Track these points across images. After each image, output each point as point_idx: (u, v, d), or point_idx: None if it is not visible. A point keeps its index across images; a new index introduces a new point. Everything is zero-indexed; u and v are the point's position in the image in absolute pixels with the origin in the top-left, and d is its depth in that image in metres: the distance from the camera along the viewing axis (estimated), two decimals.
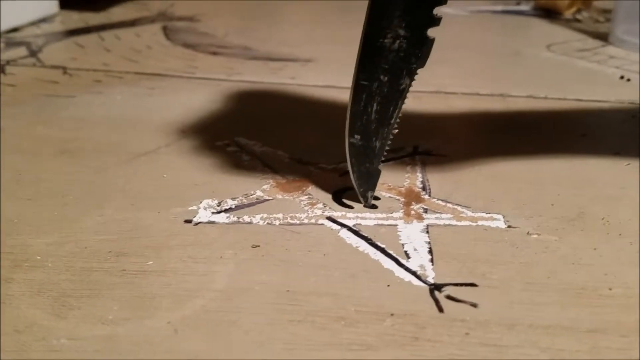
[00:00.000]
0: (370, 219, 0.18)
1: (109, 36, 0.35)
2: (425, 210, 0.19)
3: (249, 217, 0.18)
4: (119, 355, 0.13)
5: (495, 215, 0.19)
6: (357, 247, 0.17)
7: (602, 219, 0.19)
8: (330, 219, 0.18)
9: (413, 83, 0.17)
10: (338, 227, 0.18)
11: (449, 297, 0.15)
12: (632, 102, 0.28)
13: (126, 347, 0.13)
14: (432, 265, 0.16)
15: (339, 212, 0.18)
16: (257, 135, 0.23)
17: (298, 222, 0.18)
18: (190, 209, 0.18)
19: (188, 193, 0.19)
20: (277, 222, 0.18)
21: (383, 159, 0.18)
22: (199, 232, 0.17)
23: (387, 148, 0.18)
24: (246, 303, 0.14)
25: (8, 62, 0.29)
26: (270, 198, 0.19)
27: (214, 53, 0.33)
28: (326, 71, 0.31)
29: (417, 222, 0.18)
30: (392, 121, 0.18)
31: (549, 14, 0.45)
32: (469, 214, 0.19)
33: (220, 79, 0.29)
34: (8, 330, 0.13)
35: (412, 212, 0.19)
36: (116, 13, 0.39)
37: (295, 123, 0.25)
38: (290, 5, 0.47)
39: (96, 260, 0.15)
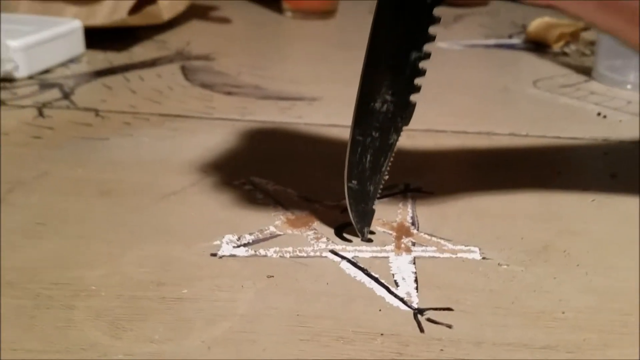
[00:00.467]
0: (366, 251, 0.21)
1: (133, 77, 0.38)
2: (414, 244, 0.22)
3: (264, 250, 0.21)
4: (181, 353, 0.16)
5: (472, 248, 0.22)
6: (355, 277, 0.20)
7: (564, 251, 0.22)
8: (332, 252, 0.21)
9: (413, 123, 0.20)
10: (339, 259, 0.21)
11: (429, 320, 0.18)
12: (606, 139, 0.32)
13: (179, 353, 0.16)
14: (417, 292, 0.19)
15: (340, 246, 0.22)
16: (268, 173, 0.27)
17: (305, 255, 0.21)
18: (214, 243, 0.21)
19: (212, 229, 0.22)
20: (287, 255, 0.21)
21: (378, 197, 0.22)
22: (223, 264, 0.20)
23: (380, 190, 0.22)
24: (263, 325, 0.18)
25: (44, 105, 0.33)
26: (282, 233, 0.22)
27: (229, 93, 0.37)
28: (330, 110, 0.34)
29: (406, 254, 0.21)
30: (383, 169, 0.21)
31: (539, 47, 0.48)
32: (450, 247, 0.22)
33: (235, 119, 0.33)
34: (76, 349, 0.16)
35: (402, 245, 0.22)
36: (137, 53, 0.43)
37: (303, 161, 0.28)
38: (297, 43, 0.51)
39: (141, 290, 0.19)
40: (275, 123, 0.33)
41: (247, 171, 0.27)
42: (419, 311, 0.18)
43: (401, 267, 0.21)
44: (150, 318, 0.18)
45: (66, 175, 0.26)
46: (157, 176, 0.26)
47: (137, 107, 0.33)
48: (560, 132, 0.32)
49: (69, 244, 0.21)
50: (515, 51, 0.48)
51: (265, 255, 0.21)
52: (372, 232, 0.22)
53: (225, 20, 0.54)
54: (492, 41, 0.49)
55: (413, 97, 0.20)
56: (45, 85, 0.36)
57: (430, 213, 0.24)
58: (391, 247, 0.22)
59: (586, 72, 0.42)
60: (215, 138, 0.30)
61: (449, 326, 0.18)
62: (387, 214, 0.24)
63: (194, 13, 0.53)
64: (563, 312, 0.18)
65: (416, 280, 0.20)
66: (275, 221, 0.23)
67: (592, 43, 0.48)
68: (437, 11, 0.18)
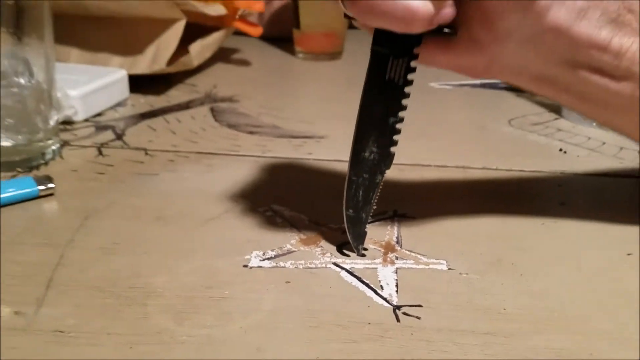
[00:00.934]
0: (360, 264, 0.28)
1: (172, 119, 0.45)
2: (397, 258, 0.29)
3: (283, 263, 0.28)
4: (217, 345, 0.23)
5: (441, 261, 0.28)
6: (351, 282, 0.27)
7: (512, 263, 0.28)
8: (335, 264, 0.28)
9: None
10: (340, 269, 0.28)
11: (404, 313, 0.25)
12: (563, 172, 0.38)
13: (220, 340, 0.23)
14: (397, 294, 0.26)
15: (340, 259, 0.28)
16: (285, 201, 0.33)
17: (314, 266, 0.28)
18: (245, 257, 0.28)
19: (243, 246, 0.29)
20: (300, 266, 0.28)
21: (370, 221, 0.29)
22: (252, 273, 0.27)
23: (371, 216, 0.28)
24: (283, 317, 0.24)
25: (102, 145, 0.40)
26: (296, 250, 0.29)
27: (251, 132, 0.44)
28: (335, 147, 0.41)
29: (390, 266, 0.28)
30: (373, 201, 0.28)
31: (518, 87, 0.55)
32: (424, 260, 0.28)
33: (257, 156, 0.40)
34: (152, 333, 0.23)
35: (388, 259, 0.29)
36: (173, 95, 0.50)
37: (312, 191, 0.35)
38: (308, 84, 0.58)
39: (194, 291, 0.26)
40: (289, 159, 0.40)
41: (268, 200, 0.34)
42: (397, 307, 0.25)
43: (386, 275, 0.27)
44: (202, 311, 0.24)
45: (128, 204, 0.33)
46: (198, 204, 0.33)
47: (178, 146, 0.41)
48: (524, 167, 0.38)
49: (138, 258, 0.28)
50: (497, 90, 0.54)
51: (284, 267, 0.28)
52: (365, 249, 0.29)
53: (245, 63, 0.61)
54: (478, 81, 0.56)
55: (392, 149, 0.27)
56: (100, 127, 0.43)
57: (412, 233, 0.31)
58: (379, 260, 0.28)
59: (557, 110, 0.49)
60: (242, 172, 0.37)
61: (418, 318, 0.24)
62: (378, 234, 0.30)
63: (217, 56, 0.60)
64: (504, 309, 0.25)
65: (397, 285, 0.27)
66: (291, 240, 0.30)
67: None
68: (408, 89, 0.25)
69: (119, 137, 0.42)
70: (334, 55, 0.64)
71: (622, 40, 0.25)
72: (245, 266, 0.28)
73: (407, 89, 0.25)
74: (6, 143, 0.35)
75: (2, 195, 0.31)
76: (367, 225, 0.28)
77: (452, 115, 0.47)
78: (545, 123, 0.46)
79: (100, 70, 0.48)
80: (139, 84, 0.50)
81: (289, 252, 0.29)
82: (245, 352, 0.22)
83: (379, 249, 0.29)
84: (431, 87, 0.55)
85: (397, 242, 0.30)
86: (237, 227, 0.31)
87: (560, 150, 0.41)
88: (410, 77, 0.25)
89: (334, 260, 0.28)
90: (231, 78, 0.57)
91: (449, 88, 0.55)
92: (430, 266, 0.28)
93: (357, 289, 0.26)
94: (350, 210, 0.28)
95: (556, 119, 0.47)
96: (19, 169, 0.36)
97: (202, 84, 0.54)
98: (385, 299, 0.26)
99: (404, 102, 0.26)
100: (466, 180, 0.37)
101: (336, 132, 0.44)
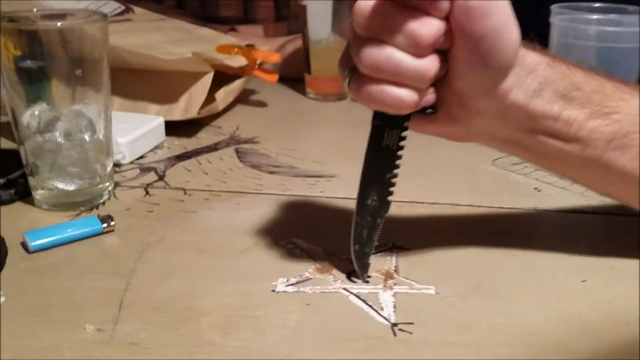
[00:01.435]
0: (365, 289, 0.35)
1: (203, 160, 0.53)
2: (395, 284, 0.36)
3: (303, 288, 0.35)
4: (254, 354, 0.29)
5: (430, 287, 0.35)
6: (357, 304, 0.34)
7: (488, 289, 0.35)
8: (344, 289, 0.35)
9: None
10: (348, 293, 0.35)
11: (400, 329, 0.32)
12: (536, 208, 0.45)
13: (255, 350, 0.30)
14: (394, 313, 0.33)
15: (349, 285, 0.35)
16: (303, 235, 0.40)
17: (328, 291, 0.35)
18: (273, 283, 0.35)
19: (271, 274, 0.36)
20: (317, 291, 0.35)
21: (372, 253, 0.35)
22: (279, 297, 0.34)
23: (373, 250, 0.35)
24: (304, 330, 0.31)
25: (148, 185, 0.48)
26: (313, 277, 0.36)
27: (271, 172, 0.51)
28: (344, 186, 0.48)
29: (389, 290, 0.35)
30: (375, 238, 0.35)
31: None
32: (417, 286, 0.35)
33: (277, 194, 0.47)
34: (204, 343, 0.30)
35: (387, 285, 0.35)
36: (203, 138, 0.58)
37: (325, 226, 0.42)
38: (318, 124, 0.66)
39: (234, 311, 0.33)
40: (305, 197, 0.47)
41: (289, 234, 0.41)
42: (394, 324, 0.32)
43: (386, 298, 0.34)
44: (241, 327, 0.31)
45: (175, 238, 0.40)
46: (232, 238, 0.40)
47: (210, 185, 0.48)
48: (503, 204, 0.45)
49: (187, 284, 0.35)
50: None
51: (304, 291, 0.35)
52: (369, 277, 0.36)
53: (262, 104, 0.69)
54: None
55: (389, 198, 0.34)
56: (143, 169, 0.51)
57: (407, 263, 0.38)
58: (380, 286, 0.35)
59: None
60: (265, 209, 0.44)
61: (411, 333, 0.31)
62: (379, 263, 0.37)
63: (238, 98, 0.68)
64: (479, 326, 0.32)
65: (394, 306, 0.33)
66: (308, 269, 0.37)
67: None
68: (400, 152, 0.33)
69: (161, 177, 0.49)
70: (340, 96, 0.72)
71: (570, 112, 0.32)
72: (273, 291, 0.35)
73: (399, 153, 0.33)
74: (71, 187, 0.43)
75: (75, 233, 0.39)
76: (371, 257, 0.35)
77: (444, 157, 0.54)
78: (524, 163, 0.53)
79: (141, 117, 0.55)
80: (172, 127, 0.58)
81: (308, 279, 0.36)
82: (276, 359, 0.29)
83: (380, 276, 0.36)
84: None
85: (395, 271, 0.37)
86: (265, 258, 0.38)
87: (535, 189, 0.48)
88: (402, 143, 0.32)
89: (343, 286, 0.35)
90: (251, 119, 0.65)
91: None
92: (422, 290, 0.35)
93: (362, 310, 0.33)
94: (357, 246, 0.35)
95: None
96: (82, 208, 0.43)
97: (226, 125, 0.62)
98: (384, 318, 0.32)
99: (397, 162, 0.33)
100: (454, 216, 0.44)
101: (345, 171, 0.51)
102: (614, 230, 0.43)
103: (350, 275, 0.36)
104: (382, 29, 0.28)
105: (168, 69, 0.57)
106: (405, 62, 0.28)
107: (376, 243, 0.35)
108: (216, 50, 0.63)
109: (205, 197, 0.46)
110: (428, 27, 0.28)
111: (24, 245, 0.38)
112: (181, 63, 0.56)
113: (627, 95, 0.33)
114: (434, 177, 0.51)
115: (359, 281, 0.36)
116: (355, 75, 0.30)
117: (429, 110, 0.31)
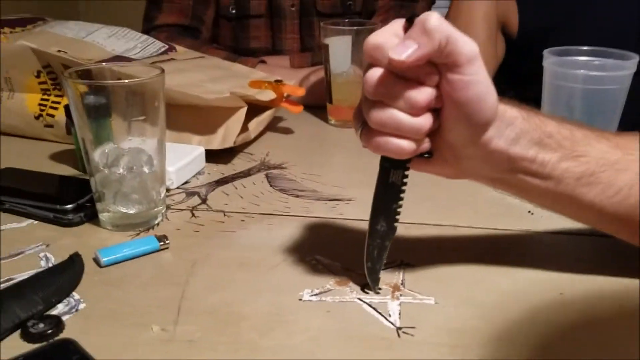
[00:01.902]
0: (376, 299, 0.42)
1: (239, 185, 0.61)
2: (401, 295, 0.43)
3: (325, 297, 0.42)
4: (286, 352, 0.37)
5: (430, 297, 0.42)
6: (370, 312, 0.41)
7: (480, 300, 0.42)
8: (359, 299, 0.42)
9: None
10: (362, 303, 0.42)
11: (403, 332, 0.39)
12: (527, 230, 0.52)
13: (287, 348, 0.37)
14: (399, 319, 0.40)
15: (363, 296, 0.43)
16: (324, 253, 0.48)
17: (345, 300, 0.42)
18: (300, 293, 0.43)
19: (298, 286, 0.44)
20: (337, 300, 0.42)
21: (382, 269, 0.43)
22: (305, 305, 0.42)
23: (383, 266, 0.42)
24: (326, 332, 0.39)
25: (193, 208, 0.56)
26: (333, 289, 0.44)
27: (297, 196, 0.59)
28: (361, 209, 0.56)
29: (396, 300, 0.42)
30: (384, 256, 0.42)
31: None
32: (419, 296, 0.42)
33: (303, 216, 0.54)
34: (246, 342, 0.38)
35: (395, 296, 0.43)
36: (237, 164, 0.66)
37: (344, 245, 0.50)
38: (339, 150, 0.74)
39: (269, 316, 0.40)
40: (326, 219, 0.54)
41: (313, 252, 0.48)
42: (399, 328, 0.39)
43: (393, 307, 0.41)
44: (275, 329, 0.39)
45: (219, 255, 0.48)
46: (265, 255, 0.48)
47: (246, 208, 0.56)
48: (498, 225, 0.52)
49: (230, 293, 0.43)
50: None
51: (326, 300, 0.42)
52: (379, 289, 0.43)
53: (289, 131, 0.77)
54: None
55: (395, 224, 0.41)
56: (188, 193, 0.59)
57: (412, 278, 0.45)
58: (389, 296, 0.43)
59: None
60: (293, 230, 0.52)
61: (412, 335, 0.38)
62: (388, 278, 0.44)
63: (267, 126, 0.76)
64: (468, 330, 0.39)
65: (400, 314, 0.41)
66: (329, 282, 0.44)
67: None
68: (404, 187, 0.40)
69: (204, 201, 0.57)
70: None
71: (544, 156, 0.39)
72: (300, 300, 0.42)
73: (403, 188, 0.40)
74: (132, 211, 0.51)
75: (137, 250, 0.47)
76: (381, 272, 0.43)
77: (448, 183, 0.60)
78: None
79: (185, 147, 0.64)
80: (211, 155, 0.66)
81: (328, 290, 0.43)
82: (304, 356, 0.37)
83: (389, 288, 0.44)
84: None
85: (402, 284, 0.44)
86: (293, 272, 0.46)
87: (529, 212, 0.54)
88: (405, 180, 0.40)
89: (358, 296, 0.43)
90: (279, 145, 0.73)
91: None
92: (423, 300, 0.42)
93: (373, 316, 0.40)
94: (369, 264, 0.42)
95: None
96: (140, 229, 0.52)
97: (257, 152, 0.70)
98: (391, 323, 0.40)
99: (402, 195, 0.40)
100: (455, 236, 0.51)
101: (361, 195, 0.58)
102: (595, 250, 0.49)
103: (364, 287, 0.44)
104: (386, 95, 0.36)
105: (208, 105, 0.66)
106: (405, 120, 0.36)
107: (385, 261, 0.42)
108: (248, 85, 0.71)
109: (242, 218, 0.54)
110: (422, 94, 0.35)
111: (95, 260, 0.47)
112: (220, 101, 0.64)
113: (594, 142, 0.40)
114: (439, 201, 0.58)
115: (371, 292, 0.43)
116: (365, 128, 0.38)
117: (426, 155, 0.39)
